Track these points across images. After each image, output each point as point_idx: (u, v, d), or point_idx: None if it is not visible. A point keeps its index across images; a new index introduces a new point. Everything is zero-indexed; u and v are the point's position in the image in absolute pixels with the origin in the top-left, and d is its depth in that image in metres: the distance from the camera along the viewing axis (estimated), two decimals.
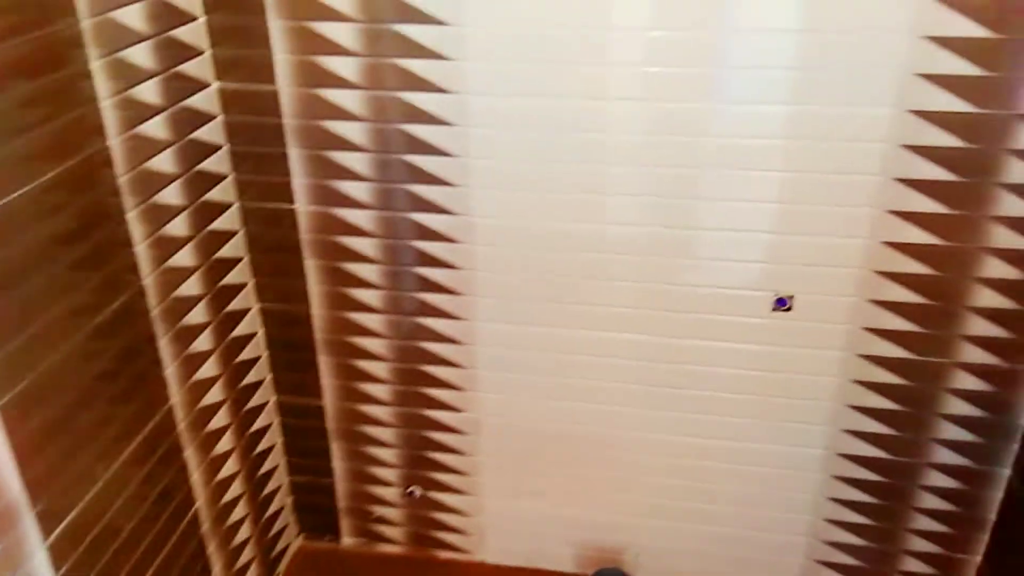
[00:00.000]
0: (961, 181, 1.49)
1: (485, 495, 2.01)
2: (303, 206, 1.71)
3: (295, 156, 1.66)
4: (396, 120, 1.60)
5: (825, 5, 1.40)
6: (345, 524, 2.13)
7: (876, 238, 1.56)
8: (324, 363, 1.89)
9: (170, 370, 1.52)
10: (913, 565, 1.90)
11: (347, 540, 2.15)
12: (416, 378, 1.88)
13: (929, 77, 1.42)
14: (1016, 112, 1.42)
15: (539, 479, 1.96)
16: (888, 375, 1.69)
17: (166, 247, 1.49)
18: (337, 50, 1.54)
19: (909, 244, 1.56)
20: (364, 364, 1.88)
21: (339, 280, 1.78)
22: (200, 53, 1.55)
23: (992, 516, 1.81)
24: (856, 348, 1.67)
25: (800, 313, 1.66)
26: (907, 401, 1.71)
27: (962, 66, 1.40)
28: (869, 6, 1.39)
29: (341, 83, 1.57)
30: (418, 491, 2.01)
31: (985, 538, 1.84)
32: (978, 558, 1.87)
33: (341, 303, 1.81)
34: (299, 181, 1.69)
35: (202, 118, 1.57)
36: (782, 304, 1.65)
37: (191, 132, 1.54)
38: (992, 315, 1.60)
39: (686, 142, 1.54)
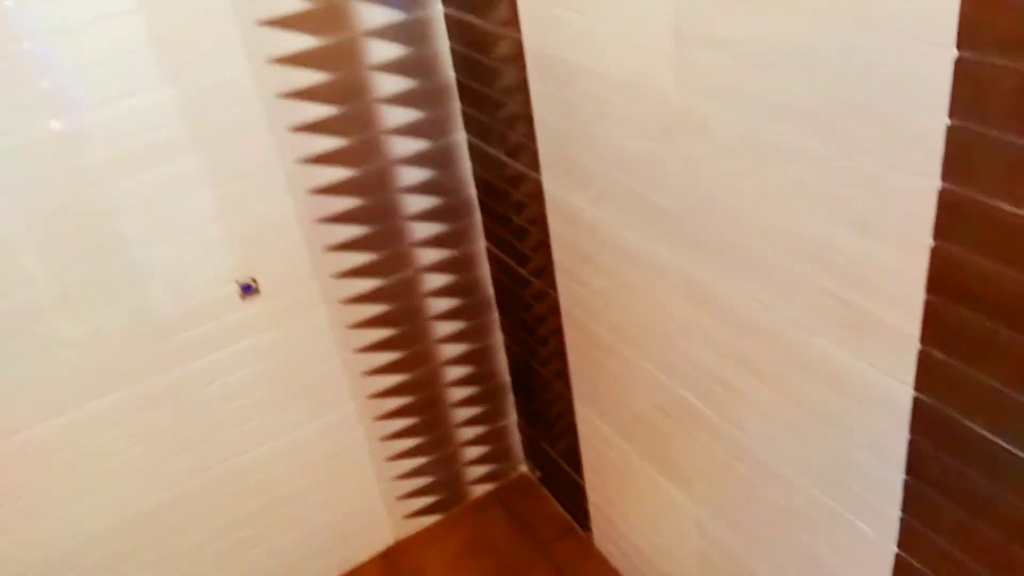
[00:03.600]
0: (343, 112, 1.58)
1: None
2: None
3: None
4: None
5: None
6: None
7: (300, 188, 1.59)
8: None
9: None
10: (473, 453, 2.12)
11: None
12: None
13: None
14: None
15: None
16: (373, 308, 1.78)
17: None
18: None
19: (333, 184, 1.62)
20: None
21: None
22: None
23: (508, 378, 2.06)
24: (334, 295, 1.73)
25: (271, 291, 1.65)
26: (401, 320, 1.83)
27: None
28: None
29: None
30: None
31: (512, 399, 2.09)
32: (515, 417, 2.13)
33: None
34: None
35: None
36: (248, 290, 1.63)
37: None
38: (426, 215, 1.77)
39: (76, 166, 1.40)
